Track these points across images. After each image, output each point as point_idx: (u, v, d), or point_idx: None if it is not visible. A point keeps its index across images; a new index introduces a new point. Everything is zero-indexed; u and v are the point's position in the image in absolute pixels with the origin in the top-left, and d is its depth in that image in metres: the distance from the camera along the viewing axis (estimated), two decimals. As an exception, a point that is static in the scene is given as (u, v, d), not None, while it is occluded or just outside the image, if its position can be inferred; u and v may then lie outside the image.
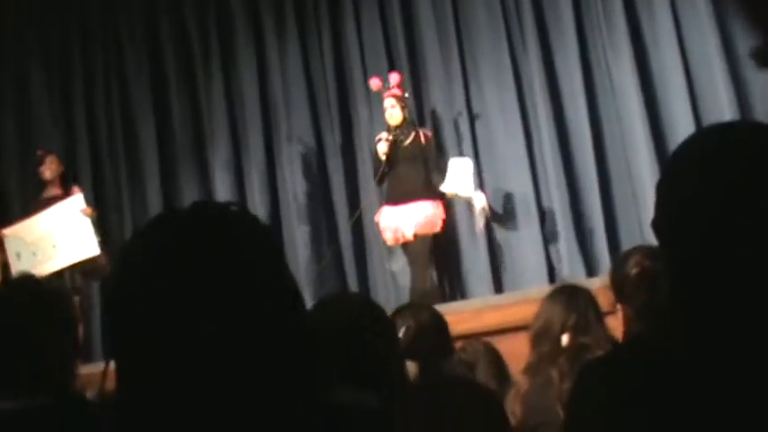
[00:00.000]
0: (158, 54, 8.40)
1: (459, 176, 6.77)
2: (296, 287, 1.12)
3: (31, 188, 7.59)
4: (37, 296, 1.95)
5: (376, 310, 2.14)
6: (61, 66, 8.58)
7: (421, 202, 6.71)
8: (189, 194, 8.12)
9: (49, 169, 7.23)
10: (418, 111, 7.67)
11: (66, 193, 7.15)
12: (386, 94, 6.94)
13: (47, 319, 1.91)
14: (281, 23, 8.11)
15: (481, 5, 7.61)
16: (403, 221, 6.67)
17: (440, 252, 7.40)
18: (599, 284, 3.68)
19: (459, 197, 6.95)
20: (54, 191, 7.24)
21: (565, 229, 7.19)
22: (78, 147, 8.43)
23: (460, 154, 7.40)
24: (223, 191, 8.04)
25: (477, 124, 7.58)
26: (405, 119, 6.87)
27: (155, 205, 8.18)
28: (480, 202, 6.91)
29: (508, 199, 7.44)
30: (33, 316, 1.89)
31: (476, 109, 7.59)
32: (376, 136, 7.02)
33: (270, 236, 1.14)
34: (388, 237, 6.79)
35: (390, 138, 6.75)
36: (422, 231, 6.67)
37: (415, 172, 6.78)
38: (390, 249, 7.17)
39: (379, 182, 6.98)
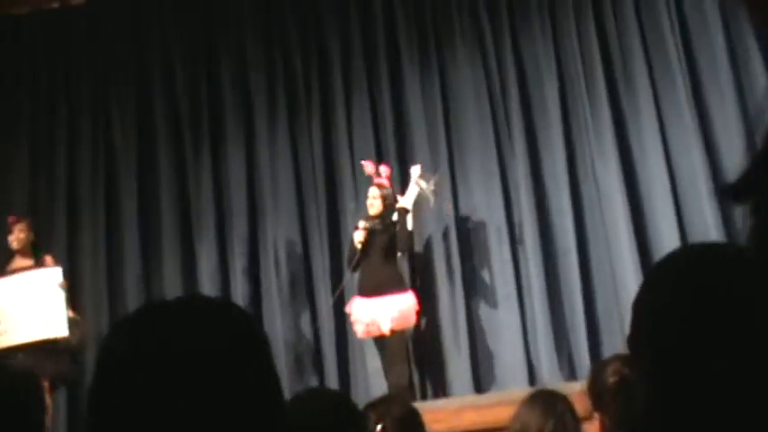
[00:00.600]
0: (148, 133, 8.32)
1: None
2: (277, 382, 1.13)
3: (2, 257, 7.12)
4: (8, 380, 1.93)
5: (350, 407, 2.14)
6: (47, 133, 8.40)
7: (394, 295, 6.64)
8: (171, 277, 8.00)
9: (17, 239, 6.78)
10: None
11: (38, 264, 6.75)
12: (374, 183, 6.96)
13: (16, 403, 1.89)
14: (272, 111, 8.14)
15: (471, 106, 7.75)
16: (378, 315, 6.56)
17: (421, 348, 7.40)
18: (578, 389, 3.68)
19: (421, 198, 6.97)
20: (23, 261, 6.80)
21: (546, 333, 7.21)
22: (56, 218, 8.17)
23: (446, 257, 7.49)
24: (207, 276, 7.94)
25: (462, 225, 7.64)
26: (384, 210, 6.83)
27: (132, 285, 8.02)
28: (416, 173, 6.97)
29: (492, 302, 7.47)
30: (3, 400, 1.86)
31: (462, 209, 7.66)
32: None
33: (255, 329, 1.14)
34: (359, 329, 6.69)
35: (367, 227, 6.73)
36: (398, 327, 6.59)
37: (388, 263, 6.74)
38: (365, 350, 7.11)
39: (354, 269, 6.93)
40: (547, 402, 3.28)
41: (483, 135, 7.68)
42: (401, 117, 7.94)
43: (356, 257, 6.77)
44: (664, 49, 7.47)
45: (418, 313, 6.81)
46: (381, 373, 6.82)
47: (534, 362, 7.26)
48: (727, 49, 7.33)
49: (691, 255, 1.26)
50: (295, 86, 8.15)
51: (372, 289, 6.66)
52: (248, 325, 1.14)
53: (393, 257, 6.81)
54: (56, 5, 8.45)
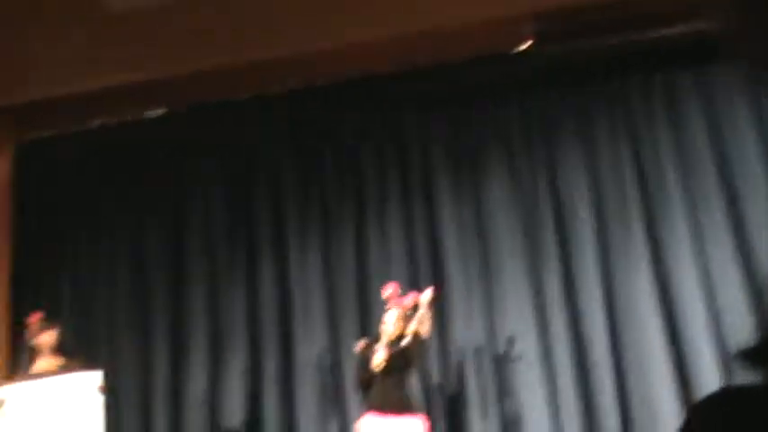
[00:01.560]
0: (181, 247, 8.44)
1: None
2: None
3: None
4: None
5: None
6: (88, 242, 8.61)
7: (408, 416, 6.63)
8: (199, 392, 8.00)
9: (47, 341, 6.87)
10: (439, 328, 7.63)
11: (70, 362, 6.81)
12: (392, 304, 6.93)
13: None
14: (304, 229, 8.21)
15: (506, 235, 7.76)
16: None
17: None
18: None
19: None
20: (53, 360, 6.88)
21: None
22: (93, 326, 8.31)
23: (476, 377, 7.38)
24: (237, 389, 7.93)
25: (498, 358, 7.54)
26: (401, 332, 6.87)
27: (160, 394, 8.05)
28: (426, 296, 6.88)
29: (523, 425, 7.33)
30: None
31: (497, 332, 7.60)
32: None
33: None
34: None
35: (389, 352, 6.69)
36: None
37: (401, 384, 6.72)
38: None
39: (361, 387, 6.89)
40: None
41: (518, 264, 7.67)
42: (435, 238, 7.96)
43: (370, 377, 6.70)
44: (700, 170, 7.50)
45: None
46: None
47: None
48: (764, 164, 7.35)
49: (730, 397, 1.18)
50: (328, 210, 8.24)
51: (386, 407, 6.62)
52: None
53: (406, 380, 6.78)
54: (96, 124, 8.68)
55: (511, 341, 7.56)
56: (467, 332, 7.64)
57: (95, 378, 6.57)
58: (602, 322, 7.34)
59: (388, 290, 7.05)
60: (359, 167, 8.27)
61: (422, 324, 6.85)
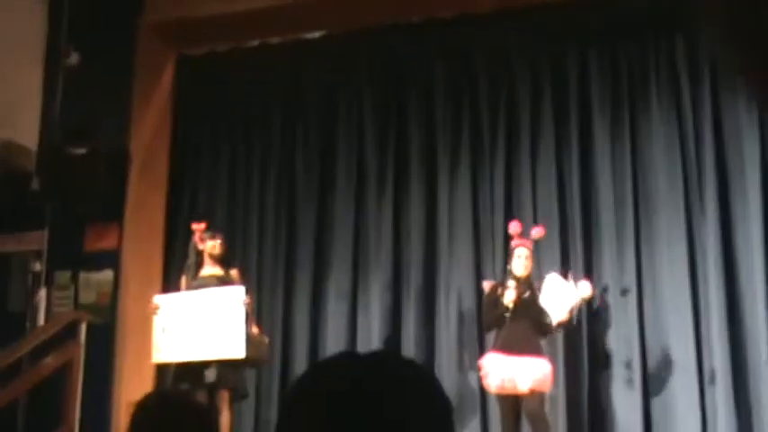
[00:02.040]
0: (331, 173, 8.52)
1: (556, 300, 6.71)
2: None
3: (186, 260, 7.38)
4: (182, 411, 1.98)
5: None
6: (244, 159, 8.75)
7: (535, 357, 6.61)
8: (338, 314, 8.13)
9: (213, 249, 7.08)
10: (585, 268, 7.56)
11: (226, 274, 7.06)
12: (520, 242, 6.88)
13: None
14: (455, 160, 8.14)
15: (662, 172, 7.52)
16: (518, 373, 6.52)
17: (592, 412, 7.22)
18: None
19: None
20: (212, 269, 7.09)
21: (726, 410, 6.90)
22: (247, 241, 8.51)
23: (623, 319, 7.31)
24: (377, 316, 8.02)
25: (645, 294, 7.40)
26: (530, 273, 6.86)
27: (303, 314, 8.22)
28: (586, 292, 6.81)
29: (669, 370, 7.22)
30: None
31: (645, 274, 7.44)
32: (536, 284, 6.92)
33: (446, 397, 1.15)
34: (493, 383, 6.62)
35: (520, 290, 6.66)
36: (537, 388, 6.55)
37: (528, 325, 6.68)
38: None
39: (489, 328, 6.91)
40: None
41: (673, 206, 7.43)
42: (587, 170, 7.81)
43: (499, 316, 6.69)
44: None
45: (565, 382, 6.86)
46: None
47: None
48: None
49: None
50: (480, 138, 8.14)
51: (512, 347, 6.60)
52: (440, 391, 1.13)
53: (532, 319, 6.72)
54: (255, 43, 8.82)
55: (659, 283, 7.40)
56: (614, 272, 7.51)
57: (240, 293, 6.79)
58: (760, 265, 7.03)
59: (515, 226, 6.99)
60: (513, 99, 8.12)
61: (570, 312, 6.81)
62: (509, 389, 6.54)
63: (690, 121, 7.54)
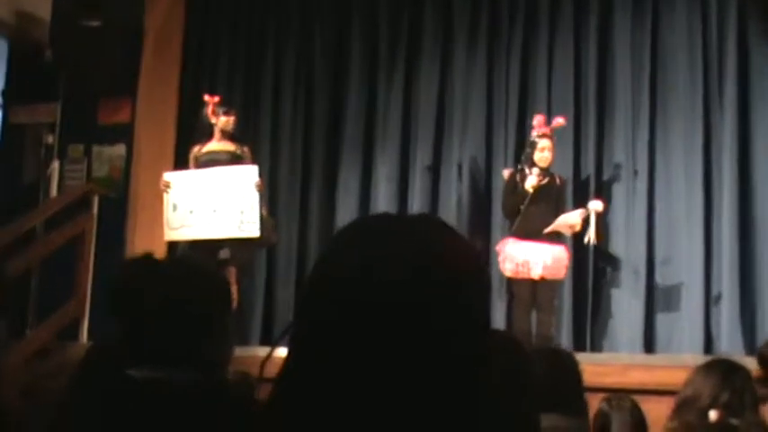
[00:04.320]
0: (346, 47, 8.39)
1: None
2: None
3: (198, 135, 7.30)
4: (196, 275, 2.01)
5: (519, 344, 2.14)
6: (259, 36, 8.62)
7: (550, 244, 6.67)
8: (349, 187, 8.15)
9: (227, 123, 6.97)
10: (597, 161, 7.54)
11: (239, 149, 6.96)
12: (543, 133, 6.82)
13: (203, 297, 1.96)
14: (472, 36, 8.00)
15: (682, 67, 7.39)
16: (532, 258, 6.60)
17: (596, 302, 7.29)
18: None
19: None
20: (222, 144, 6.99)
21: (731, 301, 6.93)
22: (261, 110, 8.44)
23: (632, 211, 7.31)
24: (384, 188, 8.05)
25: (656, 186, 7.40)
26: (551, 163, 6.85)
27: (318, 189, 8.23)
28: (597, 207, 6.82)
29: (676, 261, 7.25)
30: (191, 293, 1.93)
31: (658, 170, 7.41)
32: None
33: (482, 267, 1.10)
34: (509, 268, 6.69)
35: (540, 176, 6.66)
36: (549, 275, 6.64)
37: (546, 213, 6.72)
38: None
39: (509, 215, 6.91)
40: (726, 373, 3.16)
41: (691, 99, 7.31)
42: (604, 63, 7.67)
43: (521, 203, 6.68)
44: None
45: (573, 271, 6.85)
46: None
47: (714, 330, 7.01)
48: None
49: None
50: (499, 15, 8.00)
51: (531, 233, 6.64)
52: (478, 262, 1.09)
53: (552, 207, 6.76)
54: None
55: (673, 174, 7.38)
56: (627, 162, 7.48)
57: (254, 173, 6.75)
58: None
59: (540, 119, 6.92)
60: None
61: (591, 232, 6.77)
62: (523, 273, 6.62)
63: (713, 18, 7.37)
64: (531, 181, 6.66)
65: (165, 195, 6.91)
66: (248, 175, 6.74)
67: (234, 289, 6.71)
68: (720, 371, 3.19)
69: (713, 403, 3.07)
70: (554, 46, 7.84)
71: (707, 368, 3.22)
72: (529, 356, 2.16)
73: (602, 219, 7.00)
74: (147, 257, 1.96)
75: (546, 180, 6.75)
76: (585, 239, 6.80)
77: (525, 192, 6.68)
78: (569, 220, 6.76)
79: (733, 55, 7.25)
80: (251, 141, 7.54)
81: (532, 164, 6.77)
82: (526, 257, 6.61)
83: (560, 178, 6.96)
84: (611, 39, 7.69)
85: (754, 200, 7.12)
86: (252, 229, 6.65)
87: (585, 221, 6.78)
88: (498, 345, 2.11)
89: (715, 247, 7.13)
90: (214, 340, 1.94)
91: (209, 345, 1.92)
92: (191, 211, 6.79)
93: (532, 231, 6.65)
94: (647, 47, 7.54)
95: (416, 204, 7.92)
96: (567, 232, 6.81)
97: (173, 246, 7.24)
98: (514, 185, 6.79)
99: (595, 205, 6.86)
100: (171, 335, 1.85)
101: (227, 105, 7.24)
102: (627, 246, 7.39)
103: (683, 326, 7.12)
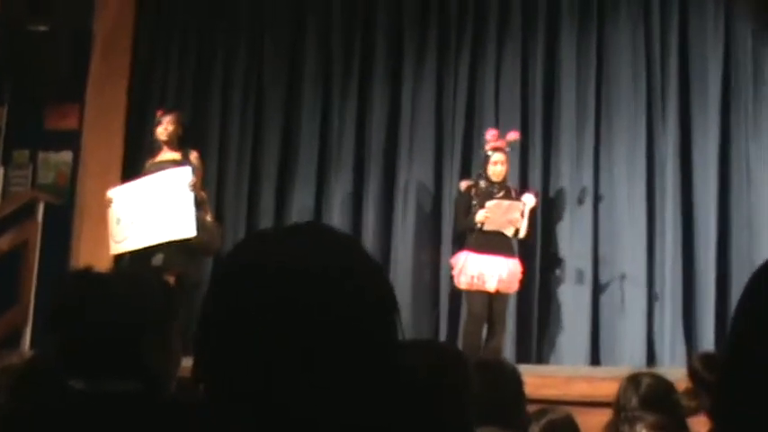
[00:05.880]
0: (299, 64, 8.35)
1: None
2: (395, 326, 1.10)
3: (149, 147, 7.21)
4: (138, 284, 2.01)
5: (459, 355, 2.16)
6: (209, 44, 8.54)
7: (505, 257, 6.66)
8: (304, 204, 8.12)
9: (165, 130, 6.80)
10: (544, 172, 7.61)
11: (184, 157, 6.77)
12: (497, 147, 6.84)
13: (144, 308, 1.97)
14: (421, 54, 8.04)
15: (626, 79, 7.48)
16: (487, 271, 6.58)
17: (542, 313, 7.37)
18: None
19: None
20: (169, 154, 6.83)
21: (673, 314, 7.01)
22: (209, 120, 8.34)
23: (579, 223, 7.39)
24: (339, 207, 8.04)
25: (601, 197, 7.47)
26: (506, 177, 6.88)
27: (268, 202, 8.18)
28: (530, 202, 6.83)
29: (619, 274, 7.30)
30: (131, 304, 1.94)
31: (603, 182, 7.47)
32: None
33: (384, 275, 1.13)
34: (463, 280, 6.66)
35: (487, 215, 6.63)
36: (504, 288, 6.65)
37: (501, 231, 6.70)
38: None
39: (461, 232, 6.91)
40: (650, 386, 3.25)
41: (634, 112, 7.41)
42: (551, 80, 7.73)
43: (472, 227, 6.68)
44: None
45: (521, 282, 6.79)
46: None
47: (656, 343, 7.09)
48: None
49: None
50: (448, 35, 8.02)
51: (484, 246, 6.63)
52: (378, 270, 1.12)
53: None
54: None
55: (617, 186, 7.46)
56: (572, 180, 7.55)
57: (186, 173, 6.57)
58: (715, 175, 7.13)
59: (493, 134, 6.91)
60: (482, 4, 7.98)
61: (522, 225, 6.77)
62: (477, 285, 6.60)
63: (657, 37, 7.48)
64: (480, 216, 6.64)
65: (108, 211, 6.78)
66: (182, 176, 6.56)
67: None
68: (645, 383, 3.27)
69: (632, 414, 3.13)
70: (501, 65, 7.86)
71: (633, 380, 3.31)
72: (469, 369, 2.20)
73: (535, 214, 7.02)
74: (87, 271, 1.97)
75: (501, 194, 6.75)
76: (513, 232, 6.74)
77: (475, 223, 6.66)
78: (505, 214, 6.69)
79: (675, 70, 7.37)
80: (199, 149, 7.47)
81: (486, 177, 6.78)
82: (481, 270, 6.59)
83: (515, 191, 6.95)
84: (557, 56, 7.73)
85: (697, 211, 7.22)
86: (187, 230, 6.46)
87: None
88: (439, 357, 2.15)
89: (657, 259, 7.20)
90: (157, 351, 1.95)
91: (151, 356, 1.93)
92: (132, 223, 6.66)
93: (487, 244, 6.63)
94: (592, 63, 7.60)
95: (370, 218, 7.91)
96: (507, 227, 6.72)
97: (119, 255, 7.15)
98: (469, 202, 6.75)
99: (528, 199, 6.84)
100: (111, 346, 1.86)
101: (171, 111, 7.08)
102: (572, 257, 7.42)
103: (626, 337, 7.17)
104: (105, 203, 6.84)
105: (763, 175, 7.00)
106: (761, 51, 7.21)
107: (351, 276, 1.06)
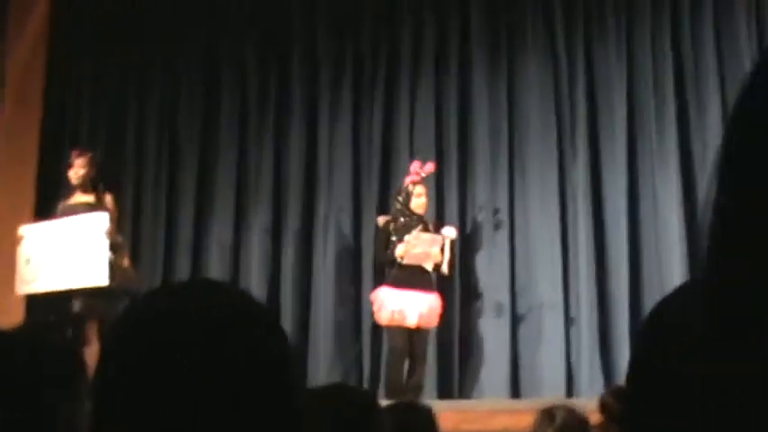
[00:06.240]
0: (215, 106, 8.36)
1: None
2: (293, 386, 1.09)
3: (63, 190, 7.04)
4: (42, 341, 1.97)
5: (371, 408, 2.17)
6: (120, 85, 8.53)
7: (425, 293, 6.67)
8: (220, 243, 8.09)
9: (76, 174, 6.62)
10: (460, 205, 7.70)
11: (98, 200, 6.63)
12: (418, 180, 6.89)
13: (50, 364, 1.93)
14: (337, 94, 8.12)
15: (536, 111, 7.62)
16: (407, 306, 6.58)
17: (463, 346, 7.43)
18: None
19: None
20: (83, 197, 6.67)
21: (590, 342, 7.10)
22: (126, 156, 8.33)
23: (495, 253, 7.47)
24: (257, 243, 8.02)
25: (516, 228, 7.56)
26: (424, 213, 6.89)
27: (185, 244, 8.15)
28: (451, 234, 6.87)
29: (536, 305, 7.38)
30: (30, 372, 1.89)
31: (517, 212, 7.57)
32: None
33: (278, 332, 1.12)
34: (384, 316, 6.66)
35: (421, 229, 6.68)
36: (424, 324, 6.66)
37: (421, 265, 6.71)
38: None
39: (381, 267, 6.93)
40: (564, 420, 3.32)
41: (545, 143, 7.54)
42: (465, 115, 7.85)
43: (392, 261, 6.70)
44: (740, 74, 7.37)
45: (441, 317, 6.82)
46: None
47: (575, 372, 7.18)
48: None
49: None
50: (361, 76, 8.11)
51: (404, 281, 6.63)
52: (270, 326, 1.12)
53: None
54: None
55: (531, 217, 7.57)
56: (488, 208, 7.64)
57: (103, 219, 6.43)
58: (624, 206, 7.29)
59: (416, 166, 6.95)
60: (394, 36, 8.09)
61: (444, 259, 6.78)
62: (398, 321, 6.59)
63: (564, 68, 7.66)
64: (400, 250, 6.64)
65: (18, 248, 6.61)
66: (98, 222, 6.42)
67: (94, 347, 6.35)
68: (553, 417, 3.35)
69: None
70: (415, 99, 7.96)
71: (546, 414, 3.39)
72: (379, 413, 2.22)
73: (455, 246, 7.03)
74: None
75: (420, 227, 6.76)
76: (433, 266, 6.74)
77: (394, 257, 6.66)
78: (424, 247, 6.69)
79: (582, 100, 7.55)
80: (113, 192, 7.37)
81: (409, 211, 6.80)
82: (401, 306, 6.58)
83: (434, 225, 6.98)
84: (469, 89, 7.86)
85: (608, 237, 7.36)
86: (99, 278, 6.33)
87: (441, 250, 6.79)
88: (348, 401, 2.17)
89: (572, 287, 7.31)
90: (65, 405, 1.93)
91: (60, 410, 1.91)
92: (43, 264, 6.50)
93: (406, 280, 6.62)
94: (504, 94, 7.76)
95: (289, 252, 7.89)
96: (427, 261, 6.72)
97: (31, 301, 6.94)
98: (388, 237, 6.75)
99: (449, 232, 6.86)
100: (15, 403, 1.83)
101: (84, 153, 6.89)
102: (490, 289, 7.48)
103: (546, 368, 7.23)
104: (16, 240, 6.65)
105: (670, 203, 7.17)
106: (662, 83, 7.39)
107: (245, 328, 1.07)
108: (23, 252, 6.61)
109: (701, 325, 0.87)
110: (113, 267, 6.41)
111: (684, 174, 7.26)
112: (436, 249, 6.71)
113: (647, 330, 1.12)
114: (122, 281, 6.51)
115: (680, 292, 1.12)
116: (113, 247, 6.48)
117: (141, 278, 7.06)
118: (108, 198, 6.76)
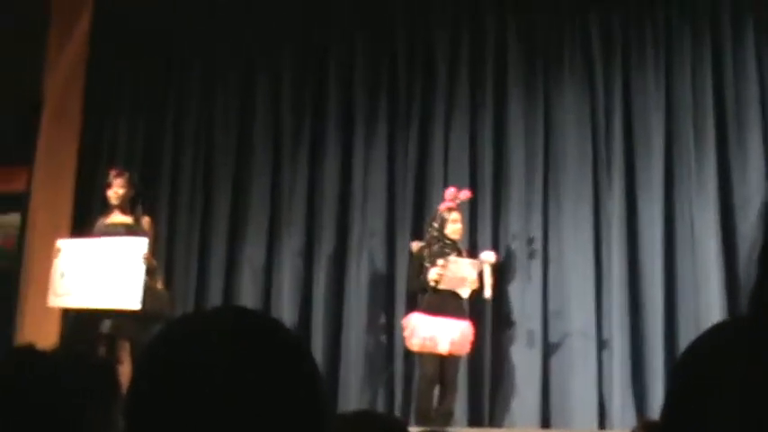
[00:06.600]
0: (249, 131, 8.41)
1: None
2: (320, 412, 1.10)
3: (101, 207, 7.16)
4: (80, 363, 1.99)
5: (400, 428, 2.16)
6: (159, 102, 8.62)
7: (457, 320, 6.63)
8: (251, 269, 8.09)
9: (116, 194, 6.68)
10: (493, 233, 7.67)
11: (136, 221, 6.70)
12: (454, 207, 6.88)
13: (80, 392, 1.94)
14: (372, 123, 8.12)
15: (572, 140, 7.57)
16: (439, 333, 6.55)
17: (494, 374, 7.39)
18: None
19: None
20: (121, 217, 6.74)
21: (622, 373, 7.01)
22: (161, 177, 8.38)
23: (528, 281, 7.42)
24: (289, 267, 8.02)
25: (550, 257, 7.50)
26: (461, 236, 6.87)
27: (217, 268, 8.16)
28: (490, 258, 6.83)
29: (569, 334, 7.30)
30: (67, 388, 1.91)
31: (551, 241, 7.50)
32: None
33: (304, 359, 1.14)
34: (415, 342, 6.63)
35: (440, 273, 6.61)
36: (455, 351, 6.62)
37: (455, 292, 6.71)
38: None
39: (413, 293, 6.91)
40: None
41: (581, 172, 7.49)
42: (500, 144, 7.83)
43: (425, 287, 6.68)
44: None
45: (472, 344, 6.78)
46: None
47: (606, 403, 7.08)
48: None
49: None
50: (397, 104, 8.11)
51: (436, 308, 6.60)
52: (297, 353, 1.14)
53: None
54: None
55: (565, 246, 7.52)
56: (521, 237, 7.61)
57: (143, 244, 6.50)
58: (660, 235, 7.21)
59: (451, 192, 6.93)
60: (431, 65, 8.09)
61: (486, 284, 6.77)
62: (429, 347, 6.55)
63: (601, 97, 7.61)
64: (433, 274, 6.61)
65: (54, 261, 6.66)
66: (137, 246, 6.48)
67: (126, 366, 6.44)
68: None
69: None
70: (450, 126, 7.93)
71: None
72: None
73: (496, 271, 6.98)
74: (26, 350, 1.95)
75: (454, 254, 6.71)
76: (469, 293, 6.74)
77: (427, 283, 6.63)
78: (461, 272, 6.69)
79: (619, 129, 7.49)
80: (149, 212, 7.43)
81: (444, 237, 6.77)
82: (433, 332, 6.54)
83: (467, 252, 6.96)
84: (505, 118, 7.81)
85: (643, 267, 7.29)
86: (132, 302, 6.37)
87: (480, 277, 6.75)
88: (377, 426, 2.16)
89: (606, 317, 7.22)
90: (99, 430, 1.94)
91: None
92: (77, 280, 6.55)
93: (439, 307, 6.59)
94: (540, 123, 7.70)
95: (321, 277, 7.87)
96: (462, 287, 6.69)
97: (66, 317, 7.01)
98: (421, 264, 6.72)
99: (488, 256, 6.83)
100: (52, 427, 1.84)
101: (121, 173, 6.93)
102: (522, 317, 7.40)
103: (577, 398, 7.13)
104: (53, 253, 6.71)
105: (707, 232, 7.08)
106: (702, 112, 7.33)
107: (272, 353, 1.09)
108: (59, 265, 6.65)
109: (742, 363, 0.86)
110: (146, 291, 6.46)
111: (723, 204, 7.17)
112: (474, 275, 6.66)
113: (684, 366, 1.11)
114: (154, 304, 6.53)
115: (718, 329, 1.11)
116: (148, 272, 6.53)
117: (173, 301, 7.09)
118: (146, 220, 6.82)
